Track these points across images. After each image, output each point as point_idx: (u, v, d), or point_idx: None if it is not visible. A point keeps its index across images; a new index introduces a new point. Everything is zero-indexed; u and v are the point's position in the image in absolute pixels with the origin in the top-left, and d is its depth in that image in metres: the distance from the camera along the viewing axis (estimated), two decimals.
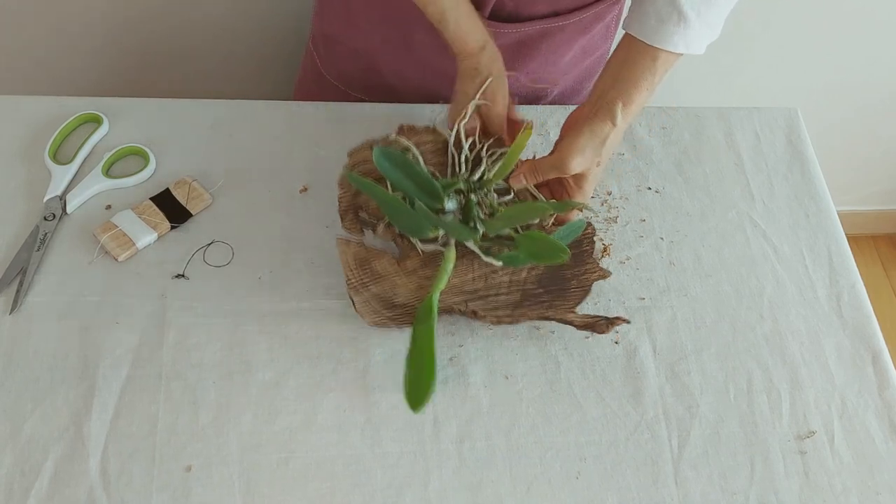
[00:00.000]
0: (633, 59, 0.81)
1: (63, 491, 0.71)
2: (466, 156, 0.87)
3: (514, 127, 0.89)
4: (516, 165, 0.85)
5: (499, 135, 0.87)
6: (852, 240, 1.00)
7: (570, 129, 0.83)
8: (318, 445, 0.75)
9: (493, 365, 0.81)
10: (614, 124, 0.80)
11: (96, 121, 0.93)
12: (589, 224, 0.87)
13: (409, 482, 0.74)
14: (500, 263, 0.81)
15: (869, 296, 0.90)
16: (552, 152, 0.83)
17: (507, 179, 0.85)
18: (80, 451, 0.73)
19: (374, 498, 0.73)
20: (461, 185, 0.84)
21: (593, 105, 0.82)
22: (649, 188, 0.95)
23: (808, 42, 1.43)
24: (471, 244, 0.83)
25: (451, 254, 0.81)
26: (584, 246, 0.86)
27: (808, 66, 1.48)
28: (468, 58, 0.84)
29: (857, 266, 0.92)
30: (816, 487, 0.77)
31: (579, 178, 0.83)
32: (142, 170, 0.89)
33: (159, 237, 0.85)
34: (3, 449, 0.73)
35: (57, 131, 0.91)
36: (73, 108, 0.93)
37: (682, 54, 0.81)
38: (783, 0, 1.34)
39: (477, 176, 0.86)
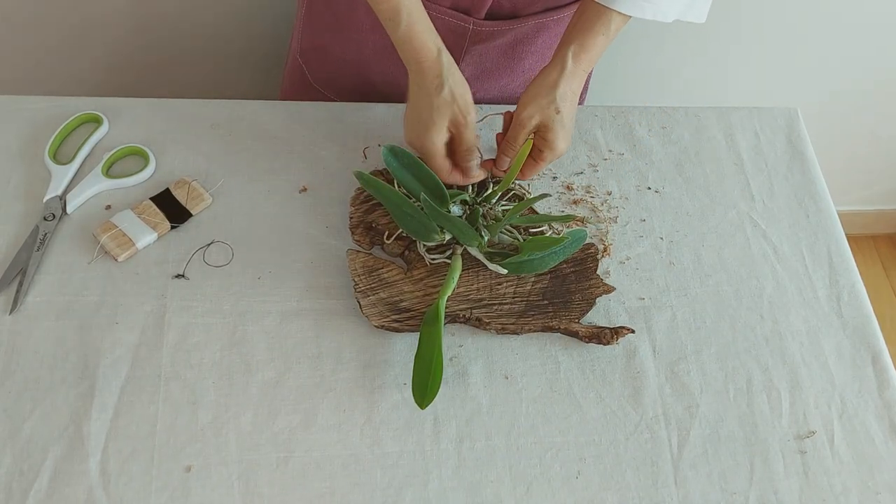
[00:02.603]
0: (586, 10, 0.84)
1: (62, 490, 0.71)
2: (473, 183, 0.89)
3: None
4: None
5: (472, 148, 0.85)
6: (852, 240, 1.00)
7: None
8: (317, 445, 0.75)
9: (492, 365, 0.81)
10: (564, 68, 0.82)
11: (96, 121, 0.93)
12: (592, 245, 0.88)
13: (409, 482, 0.74)
14: (504, 271, 0.82)
15: (869, 296, 0.90)
16: None
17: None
18: (80, 451, 0.73)
19: (374, 497, 0.73)
20: (467, 198, 0.85)
21: (550, 61, 0.85)
22: (649, 188, 0.95)
23: (808, 42, 1.43)
24: (475, 251, 0.83)
25: (458, 262, 0.83)
26: (588, 264, 0.87)
27: (808, 66, 1.48)
28: (428, 65, 0.80)
29: (857, 266, 0.92)
30: (816, 487, 0.77)
31: (544, 132, 0.84)
32: (142, 170, 0.89)
33: (159, 237, 0.85)
34: (3, 449, 0.73)
35: (57, 131, 0.90)
36: (73, 108, 0.93)
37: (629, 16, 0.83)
38: (784, 0, 1.34)
39: (482, 198, 0.88)
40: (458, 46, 0.94)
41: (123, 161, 0.91)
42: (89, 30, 1.31)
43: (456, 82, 0.81)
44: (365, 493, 0.73)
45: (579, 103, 1.13)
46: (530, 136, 0.84)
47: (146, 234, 0.84)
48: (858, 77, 1.52)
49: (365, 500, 0.73)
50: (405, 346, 0.81)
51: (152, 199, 0.87)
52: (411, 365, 0.79)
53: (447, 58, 0.81)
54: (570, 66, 0.83)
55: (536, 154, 0.85)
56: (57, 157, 0.90)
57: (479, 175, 0.86)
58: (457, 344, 0.82)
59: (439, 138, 0.82)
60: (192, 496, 0.72)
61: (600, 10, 0.83)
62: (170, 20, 1.31)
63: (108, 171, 0.89)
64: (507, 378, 0.81)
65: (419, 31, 0.79)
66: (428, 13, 0.89)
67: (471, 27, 0.91)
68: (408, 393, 0.78)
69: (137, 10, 1.29)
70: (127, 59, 1.37)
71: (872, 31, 1.41)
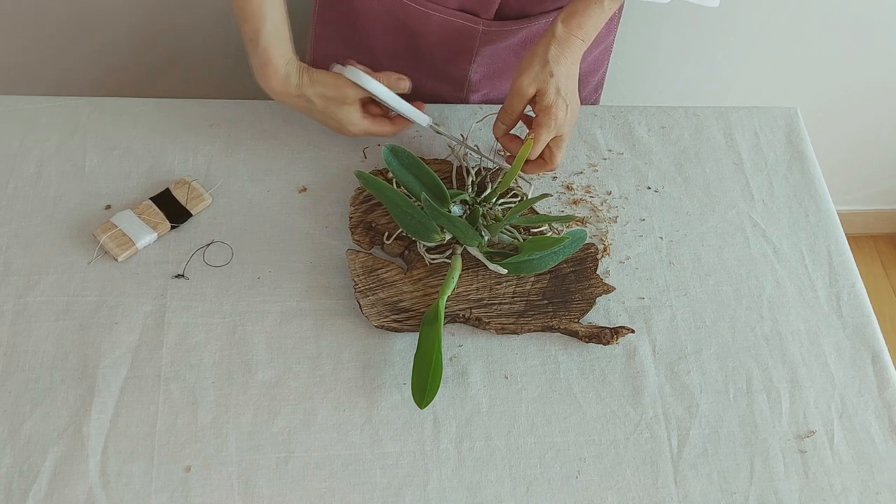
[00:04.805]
0: None
1: (62, 491, 0.71)
2: (473, 180, 0.89)
3: (514, 142, 0.88)
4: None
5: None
6: (852, 240, 1.00)
7: None
8: (317, 445, 0.75)
9: (492, 365, 0.81)
10: (554, 34, 0.82)
11: None
12: (592, 244, 0.88)
13: (409, 482, 0.74)
14: (504, 271, 0.82)
15: (869, 296, 0.90)
16: None
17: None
18: (80, 451, 0.73)
19: (374, 497, 0.73)
20: (467, 197, 0.86)
21: None
22: (649, 188, 0.95)
23: (808, 42, 1.43)
24: (475, 251, 0.83)
25: (458, 262, 0.83)
26: (587, 263, 0.87)
27: (808, 66, 1.48)
28: (284, 90, 0.86)
29: (857, 266, 0.92)
30: (816, 487, 0.77)
31: (541, 99, 0.83)
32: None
33: (159, 237, 0.85)
34: (3, 449, 0.73)
35: None
36: (73, 108, 0.93)
37: None
38: (784, 0, 1.34)
39: (482, 197, 0.88)
40: (468, 48, 0.94)
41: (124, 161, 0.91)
42: (89, 29, 1.31)
43: (316, 84, 0.86)
44: (365, 493, 0.73)
45: (594, 102, 1.13)
46: (529, 137, 0.83)
47: (146, 234, 0.84)
48: (858, 77, 1.52)
49: (365, 500, 0.73)
50: (405, 345, 0.81)
51: (152, 199, 0.87)
52: (411, 365, 0.79)
53: (295, 78, 0.86)
54: (560, 31, 0.82)
55: (539, 124, 0.84)
56: None
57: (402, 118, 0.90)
58: (457, 344, 0.82)
59: (355, 118, 0.88)
60: (192, 496, 0.72)
61: None
62: (170, 20, 1.31)
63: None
64: (507, 378, 0.81)
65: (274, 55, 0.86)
66: (435, 15, 0.89)
67: (480, 28, 0.91)
68: (407, 393, 0.78)
69: (138, 10, 1.29)
70: (127, 59, 1.37)
71: (872, 31, 1.41)
